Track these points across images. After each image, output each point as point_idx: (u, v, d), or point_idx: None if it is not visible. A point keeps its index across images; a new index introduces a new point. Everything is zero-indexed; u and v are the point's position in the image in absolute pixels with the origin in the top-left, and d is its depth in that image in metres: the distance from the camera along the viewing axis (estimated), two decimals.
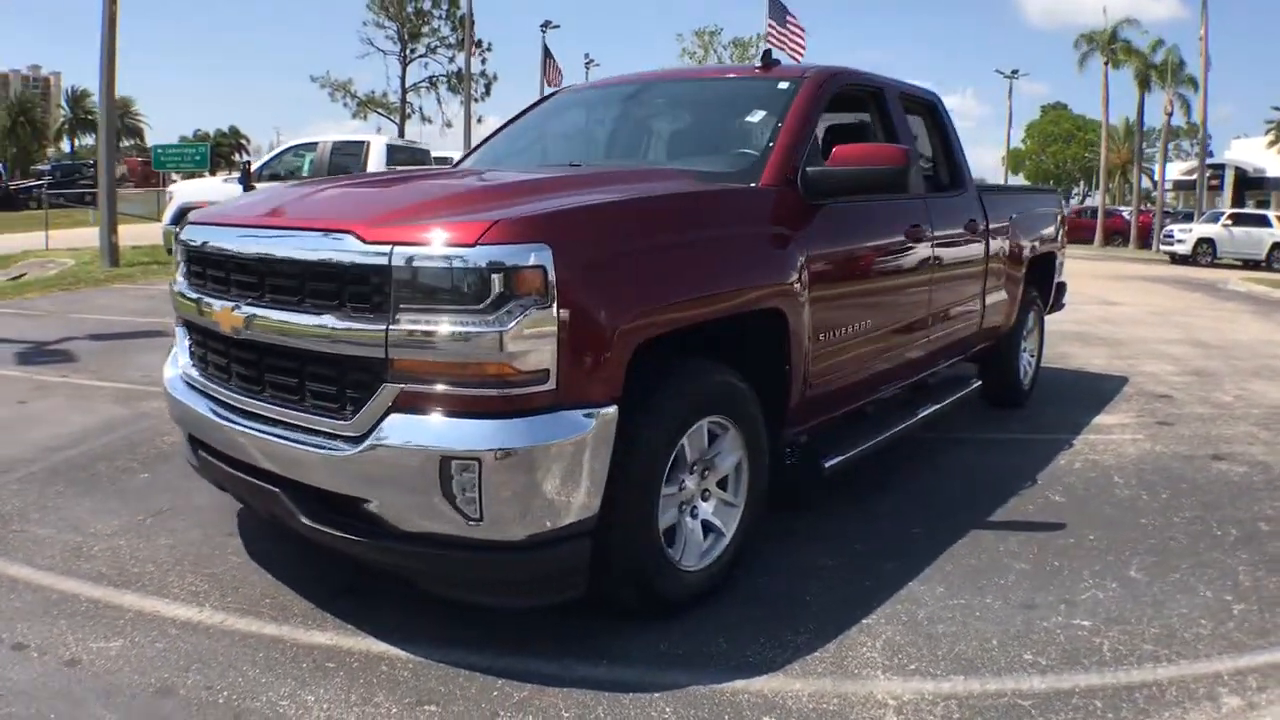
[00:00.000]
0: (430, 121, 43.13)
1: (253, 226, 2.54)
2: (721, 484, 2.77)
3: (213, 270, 2.64)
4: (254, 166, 12.36)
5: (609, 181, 2.83)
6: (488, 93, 40.89)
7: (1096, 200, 38.71)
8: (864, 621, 2.65)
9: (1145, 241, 32.78)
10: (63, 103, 66.52)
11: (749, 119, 3.35)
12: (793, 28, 28.05)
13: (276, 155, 13.60)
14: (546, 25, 34.81)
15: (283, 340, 2.37)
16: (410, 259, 2.13)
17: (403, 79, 39.95)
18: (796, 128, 3.16)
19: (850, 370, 3.38)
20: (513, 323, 2.09)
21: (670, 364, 2.50)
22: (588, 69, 41.86)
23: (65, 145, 62.09)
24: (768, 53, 3.67)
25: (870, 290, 3.44)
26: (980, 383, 4.72)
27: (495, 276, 2.09)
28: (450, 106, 41.49)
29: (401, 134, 37.41)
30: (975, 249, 4.49)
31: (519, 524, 2.17)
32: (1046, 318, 6.02)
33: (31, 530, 3.15)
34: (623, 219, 2.43)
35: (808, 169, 3.06)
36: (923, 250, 3.83)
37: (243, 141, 71.39)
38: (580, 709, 2.18)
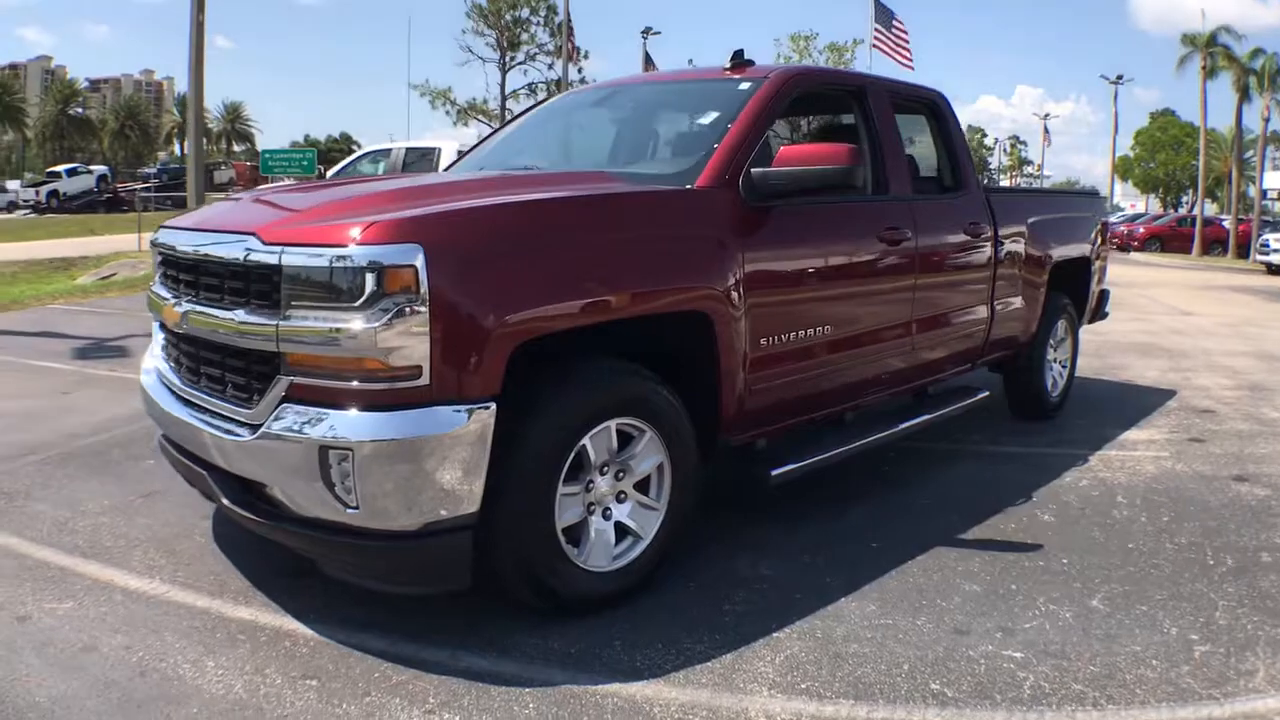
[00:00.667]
0: None
1: (195, 230, 2.74)
2: (643, 487, 2.76)
3: (168, 270, 2.86)
4: (329, 173, 12.85)
5: (525, 185, 2.87)
6: None
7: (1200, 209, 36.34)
8: (774, 635, 2.58)
9: (1244, 251, 30.57)
10: (172, 107, 70.24)
11: (701, 121, 3.31)
12: (898, 32, 27.16)
13: (351, 161, 13.95)
14: (647, 31, 35.40)
15: (208, 334, 2.55)
16: (296, 258, 2.25)
17: (502, 86, 41.21)
18: (743, 130, 3.10)
19: (808, 378, 3.29)
20: (386, 320, 2.16)
21: (569, 364, 2.52)
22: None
23: (176, 149, 65.16)
24: (738, 53, 3.61)
25: (830, 296, 3.32)
26: (986, 394, 4.46)
27: (370, 275, 2.17)
28: None
29: None
30: (978, 254, 4.26)
31: (394, 514, 2.24)
32: (1106, 328, 5.69)
33: (30, 506, 3.46)
34: (503, 222, 2.45)
35: (752, 171, 3.01)
36: (903, 254, 3.68)
37: (353, 147, 75.34)
38: (448, 696, 2.23)
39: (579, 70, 40.77)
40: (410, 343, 2.18)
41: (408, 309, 2.17)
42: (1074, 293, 5.35)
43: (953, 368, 4.34)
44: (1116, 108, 42.72)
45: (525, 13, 39.64)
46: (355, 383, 2.22)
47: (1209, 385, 6.44)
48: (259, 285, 2.36)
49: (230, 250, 2.44)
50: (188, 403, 2.72)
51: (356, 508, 2.23)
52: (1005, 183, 54.18)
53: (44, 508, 3.44)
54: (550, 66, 38.96)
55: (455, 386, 2.24)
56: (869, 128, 3.74)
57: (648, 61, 34.38)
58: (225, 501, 2.53)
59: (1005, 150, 76.32)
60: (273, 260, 2.29)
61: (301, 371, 2.28)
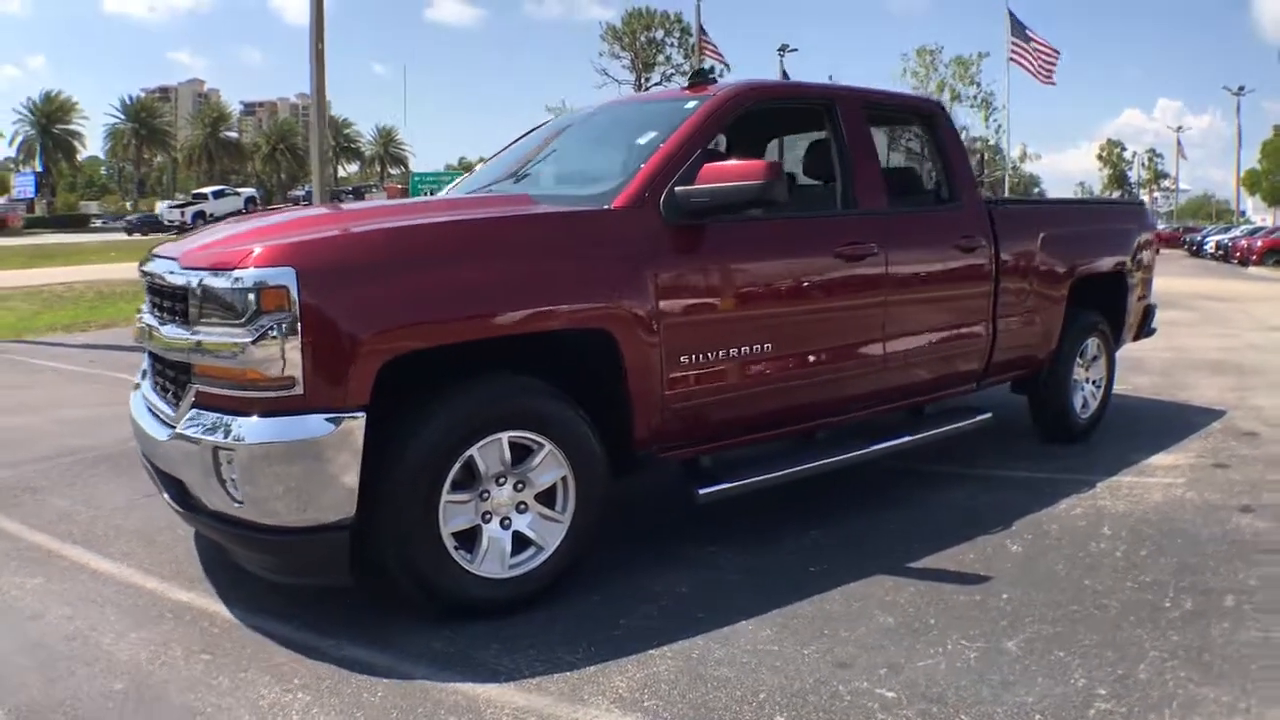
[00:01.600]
0: None
1: (159, 257, 3.07)
2: (548, 498, 2.85)
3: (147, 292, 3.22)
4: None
5: (428, 210, 3.05)
6: None
7: None
8: (649, 652, 2.58)
9: None
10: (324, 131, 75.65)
11: (639, 142, 3.36)
12: (1038, 47, 25.71)
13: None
14: (784, 49, 34.68)
15: (156, 348, 2.87)
16: (199, 280, 2.51)
17: None
18: (669, 150, 3.12)
19: (748, 396, 3.26)
20: (263, 335, 2.38)
21: (452, 377, 2.64)
22: None
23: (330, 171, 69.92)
24: (698, 71, 3.63)
25: (770, 314, 3.28)
26: (987, 416, 4.22)
27: (250, 295, 2.39)
28: None
29: None
30: (973, 269, 4.07)
31: (275, 511, 2.44)
32: (1185, 343, 5.32)
33: (47, 499, 3.93)
34: (373, 247, 2.61)
35: (676, 190, 3.03)
36: (867, 270, 3.57)
37: None
38: (312, 679, 2.42)
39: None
40: (284, 356, 2.38)
41: (282, 325, 2.37)
42: (1108, 308, 5.01)
43: (948, 388, 4.16)
44: (1240, 120, 38.96)
45: (660, 34, 40.48)
46: (239, 391, 2.44)
47: (1264, 405, 5.92)
48: (179, 304, 2.64)
49: (166, 274, 2.75)
50: (150, 410, 3.06)
51: (241, 503, 2.46)
52: (1145, 198, 50.82)
53: (59, 501, 3.91)
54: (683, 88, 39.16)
55: (326, 396, 2.42)
56: (838, 141, 3.67)
57: (784, 78, 34.29)
58: (165, 496, 2.83)
59: (1143, 164, 75.52)
60: (183, 282, 2.57)
61: (205, 380, 2.54)
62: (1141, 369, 7.27)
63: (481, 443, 2.65)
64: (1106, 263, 4.93)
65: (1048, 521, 3.70)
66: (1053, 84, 26.23)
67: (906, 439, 3.84)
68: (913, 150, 4.35)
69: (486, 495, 2.73)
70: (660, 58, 41.01)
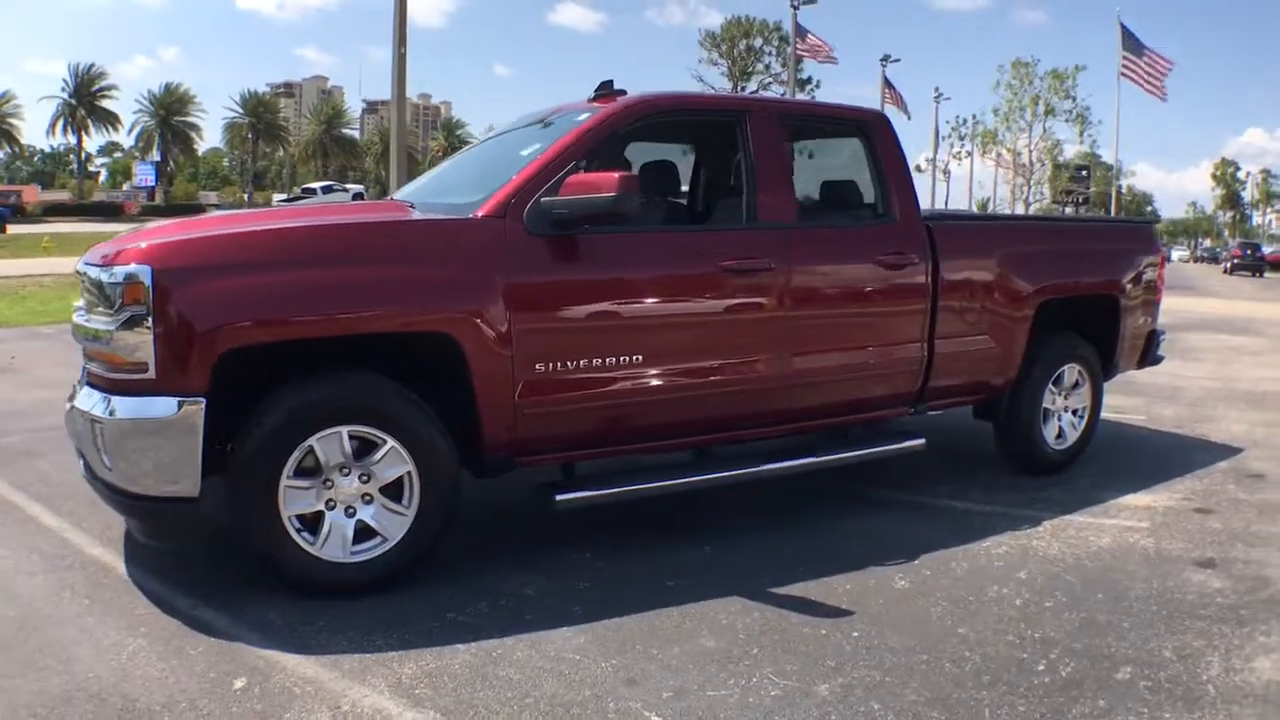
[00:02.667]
0: None
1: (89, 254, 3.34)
2: (394, 492, 3.02)
3: None
4: None
5: (311, 216, 3.28)
6: None
7: None
8: (455, 646, 2.69)
9: None
10: (438, 132, 75.49)
11: (523, 153, 3.47)
12: (1152, 61, 23.80)
13: None
14: (886, 59, 34.75)
15: (75, 333, 3.22)
16: (93, 275, 2.85)
17: None
18: (542, 162, 3.21)
19: (616, 408, 3.31)
20: (125, 324, 2.68)
21: (289, 372, 2.86)
22: (937, 102, 40.54)
23: None
24: (604, 84, 3.70)
25: (638, 326, 3.31)
26: (918, 442, 4.04)
27: (118, 288, 2.70)
28: None
29: None
30: (901, 286, 3.92)
31: (134, 480, 2.74)
32: (1232, 373, 5.01)
33: (36, 463, 4.44)
34: (222, 249, 2.85)
35: (542, 200, 3.13)
36: (760, 285, 3.52)
37: None
38: (156, 629, 2.75)
39: (811, 98, 40.92)
40: (140, 343, 2.67)
41: (139, 316, 2.67)
42: (1096, 333, 4.68)
43: (873, 409, 4.03)
44: None
45: (758, 42, 40.44)
46: (113, 373, 2.75)
47: None
48: (85, 295, 3.02)
49: (84, 269, 3.12)
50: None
51: (110, 469, 2.78)
52: (1257, 219, 46.01)
53: (45, 465, 4.41)
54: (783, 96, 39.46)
55: (172, 381, 2.68)
56: (745, 154, 3.64)
57: (887, 87, 33.70)
58: (80, 463, 3.22)
59: (1256, 185, 72.59)
60: (86, 275, 2.94)
61: (93, 362, 2.88)
62: (1173, 398, 6.72)
63: (320, 434, 2.85)
64: (1090, 284, 4.60)
65: (959, 559, 3.50)
66: (1163, 98, 24.16)
67: (809, 460, 3.76)
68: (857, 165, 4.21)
69: (330, 484, 2.93)
70: (759, 66, 40.85)
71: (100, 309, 2.81)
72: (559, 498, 3.21)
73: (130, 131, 52.44)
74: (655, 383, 3.38)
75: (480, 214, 3.11)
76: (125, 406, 2.71)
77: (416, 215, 3.32)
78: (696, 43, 42.59)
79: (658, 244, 3.41)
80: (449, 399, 3.07)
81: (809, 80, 40.09)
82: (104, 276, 2.77)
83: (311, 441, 2.85)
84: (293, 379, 2.88)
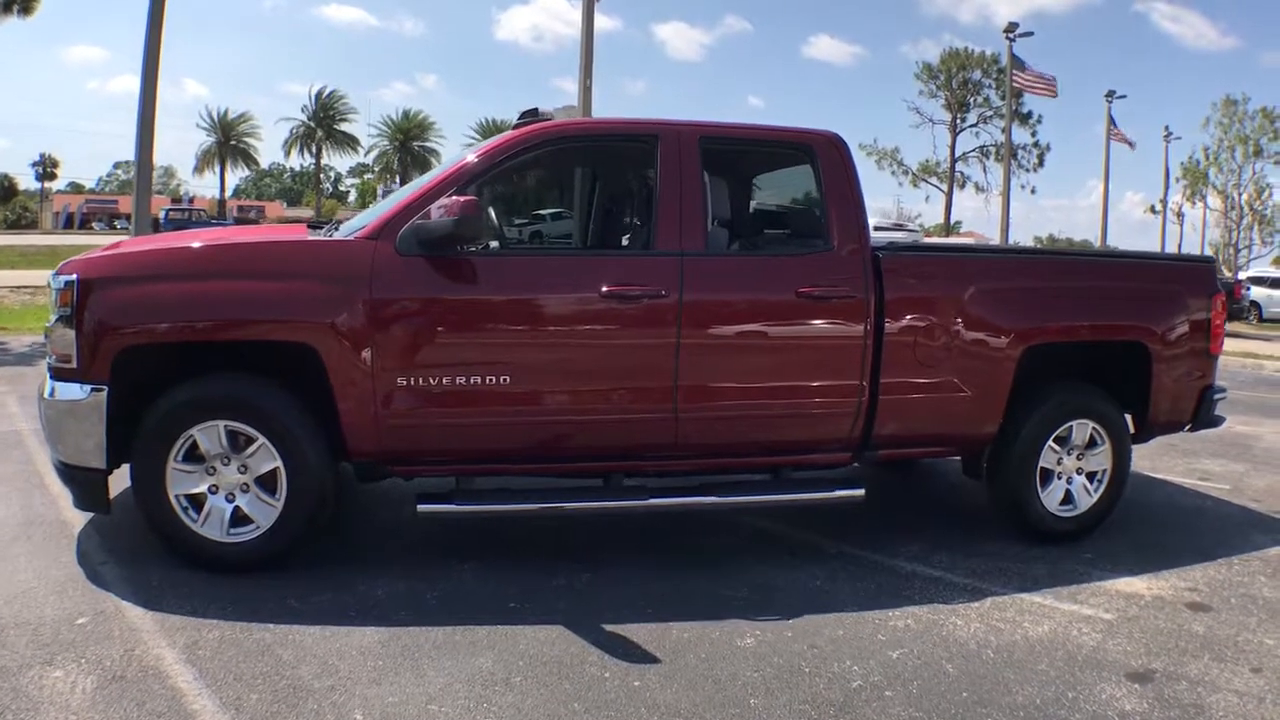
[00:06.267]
0: (982, 191, 41.53)
1: None
2: (269, 485, 3.37)
3: None
4: None
5: (214, 237, 3.74)
6: (1040, 163, 40.61)
7: None
8: (250, 624, 2.98)
9: None
10: None
11: (424, 179, 3.70)
12: None
13: None
14: (1111, 95, 32.71)
15: None
16: (51, 280, 3.53)
17: (951, 149, 40.00)
18: (425, 186, 3.44)
19: (483, 426, 3.42)
20: (60, 322, 3.31)
21: (189, 370, 3.31)
22: (1167, 141, 36.64)
23: None
24: (527, 112, 3.81)
25: (508, 347, 3.40)
26: (855, 493, 3.71)
27: (58, 293, 3.33)
28: (1000, 177, 40.01)
29: (949, 205, 38.18)
30: (829, 319, 3.66)
31: (65, 452, 3.33)
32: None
33: None
34: (127, 262, 3.35)
35: (413, 224, 3.33)
36: (649, 313, 3.47)
37: None
38: (62, 574, 3.33)
39: (1033, 134, 38.15)
40: (68, 338, 3.27)
41: (69, 316, 3.27)
42: (1122, 386, 4.06)
43: (798, 452, 3.77)
44: None
45: (976, 74, 38.23)
46: (55, 363, 3.39)
47: None
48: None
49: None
50: None
51: (50, 443, 3.42)
52: None
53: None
54: (1003, 130, 36.69)
55: (87, 371, 3.24)
56: (658, 179, 3.61)
57: (1111, 125, 30.98)
58: None
59: None
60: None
61: (51, 354, 3.54)
62: (1243, 456, 5.64)
63: (201, 426, 3.28)
64: (1104, 328, 3.96)
65: (843, 625, 3.18)
66: None
67: (706, 499, 3.60)
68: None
69: (214, 471, 3.35)
70: (979, 99, 38.77)
71: (53, 310, 3.46)
72: (421, 507, 3.40)
73: (368, 154, 54.52)
74: (530, 404, 3.46)
75: (360, 235, 3.41)
76: (58, 390, 3.33)
77: (297, 237, 3.70)
78: (913, 75, 40.93)
79: (535, 267, 3.50)
80: (324, 406, 3.37)
81: (1030, 115, 37.72)
82: (54, 283, 3.41)
83: (193, 431, 3.29)
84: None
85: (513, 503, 3.48)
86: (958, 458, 4.23)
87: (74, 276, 3.28)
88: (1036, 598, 3.48)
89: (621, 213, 4.12)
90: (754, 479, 3.94)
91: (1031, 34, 27.41)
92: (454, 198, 3.24)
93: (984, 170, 41.07)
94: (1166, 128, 36.37)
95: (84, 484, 3.37)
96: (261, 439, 3.31)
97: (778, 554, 3.87)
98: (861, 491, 3.74)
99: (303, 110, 51.14)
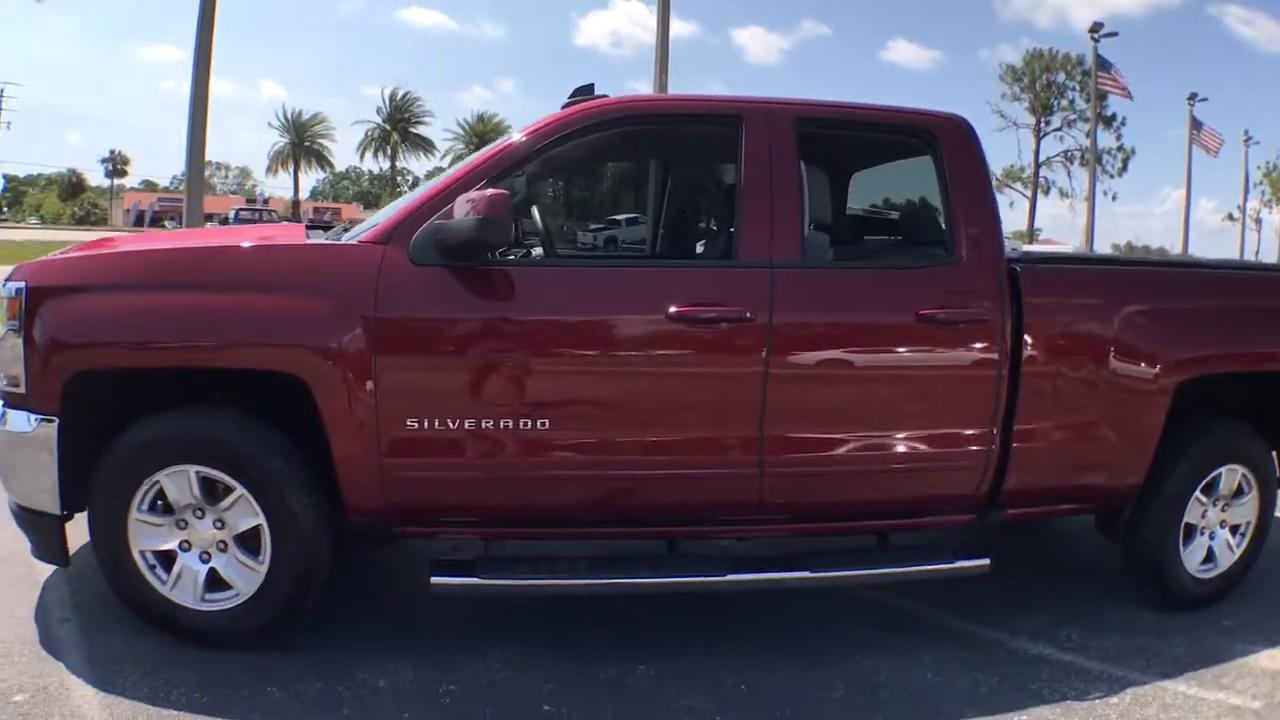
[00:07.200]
0: (1066, 196, 39.82)
1: None
2: (252, 544, 2.71)
3: None
4: None
5: (192, 238, 3.07)
6: (1124, 168, 39.78)
7: None
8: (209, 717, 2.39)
9: None
10: None
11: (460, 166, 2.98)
12: None
13: None
14: (1193, 97, 32.45)
15: None
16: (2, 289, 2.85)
17: (1035, 153, 38.68)
18: (450, 179, 2.74)
19: (512, 481, 2.73)
20: (11, 336, 2.70)
21: (144, 401, 2.67)
22: (1246, 145, 35.41)
23: None
24: (583, 87, 3.06)
25: (549, 384, 2.69)
26: (984, 563, 2.96)
27: (10, 302, 2.72)
28: (1084, 181, 38.42)
29: (1033, 211, 37.05)
30: (957, 349, 2.89)
31: (14, 490, 2.75)
32: None
33: None
34: (84, 269, 2.72)
35: (432, 224, 2.64)
36: (727, 340, 2.73)
37: None
38: (13, 631, 2.79)
39: (1117, 138, 36.88)
40: (16, 357, 2.66)
41: (16, 330, 2.67)
42: (1271, 422, 3.35)
43: (912, 514, 3.03)
44: None
45: (1060, 76, 37.05)
46: (4, 385, 2.78)
47: None
48: None
49: None
50: None
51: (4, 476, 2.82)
52: None
53: None
54: (1087, 134, 35.24)
55: (37, 399, 2.63)
56: (741, 170, 2.85)
57: (1194, 127, 29.57)
58: None
59: None
60: None
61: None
62: None
63: (168, 470, 2.64)
64: (1267, 357, 3.22)
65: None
66: None
67: (802, 574, 2.83)
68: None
69: (184, 524, 2.71)
70: (1063, 102, 37.79)
71: (3, 320, 2.85)
72: (436, 580, 2.69)
73: (444, 158, 53.15)
74: (576, 455, 2.74)
75: (363, 238, 2.73)
76: (10, 418, 2.72)
77: (287, 240, 3.02)
78: (997, 76, 39.86)
79: (583, 281, 2.77)
80: (319, 450, 2.70)
81: (1114, 117, 36.64)
82: (3, 290, 2.79)
83: (159, 477, 2.66)
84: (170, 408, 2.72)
85: (553, 576, 2.74)
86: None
87: (23, 284, 2.68)
88: (1180, 686, 2.81)
89: (697, 213, 3.34)
90: (855, 546, 3.17)
91: (1116, 34, 26.61)
92: (483, 191, 2.54)
93: (1068, 175, 39.59)
94: (1246, 132, 34.98)
95: (38, 530, 2.77)
96: (240, 489, 2.65)
97: (877, 632, 3.11)
98: (987, 562, 2.97)
99: (377, 112, 50.49)
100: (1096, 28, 26.14)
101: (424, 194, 2.79)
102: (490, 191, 2.50)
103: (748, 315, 2.71)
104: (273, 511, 2.65)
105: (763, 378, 2.73)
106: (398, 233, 2.68)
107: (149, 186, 68.52)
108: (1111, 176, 39.23)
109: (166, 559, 2.73)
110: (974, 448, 2.91)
